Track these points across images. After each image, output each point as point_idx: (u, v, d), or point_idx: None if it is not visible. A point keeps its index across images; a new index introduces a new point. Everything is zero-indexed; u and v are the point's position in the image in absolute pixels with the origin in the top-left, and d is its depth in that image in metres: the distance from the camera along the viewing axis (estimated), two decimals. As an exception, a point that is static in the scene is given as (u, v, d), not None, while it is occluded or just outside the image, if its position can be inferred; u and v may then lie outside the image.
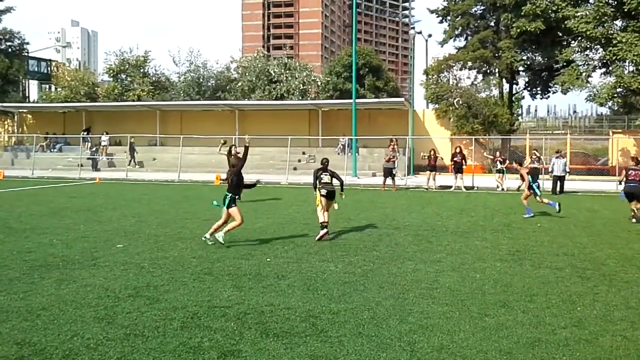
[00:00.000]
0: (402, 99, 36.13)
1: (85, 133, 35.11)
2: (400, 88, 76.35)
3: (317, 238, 10.37)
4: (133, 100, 41.87)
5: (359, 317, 5.97)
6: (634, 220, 13.31)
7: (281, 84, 44.85)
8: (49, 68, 49.57)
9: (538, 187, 14.57)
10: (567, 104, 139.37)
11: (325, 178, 10.86)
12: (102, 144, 34.41)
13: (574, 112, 72.94)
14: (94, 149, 33.22)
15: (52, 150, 36.88)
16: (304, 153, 33.20)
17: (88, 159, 32.49)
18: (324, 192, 10.79)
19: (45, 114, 40.71)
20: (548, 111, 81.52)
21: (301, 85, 44.96)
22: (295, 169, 29.99)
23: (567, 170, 21.56)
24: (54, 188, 22.26)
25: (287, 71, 45.84)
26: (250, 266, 8.28)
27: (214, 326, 5.65)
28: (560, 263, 8.73)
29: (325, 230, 10.49)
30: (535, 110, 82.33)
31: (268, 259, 8.77)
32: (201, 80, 47.49)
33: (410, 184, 24.72)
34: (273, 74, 45.47)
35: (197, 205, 16.15)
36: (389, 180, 22.10)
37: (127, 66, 45.61)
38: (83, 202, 16.98)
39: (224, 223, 9.75)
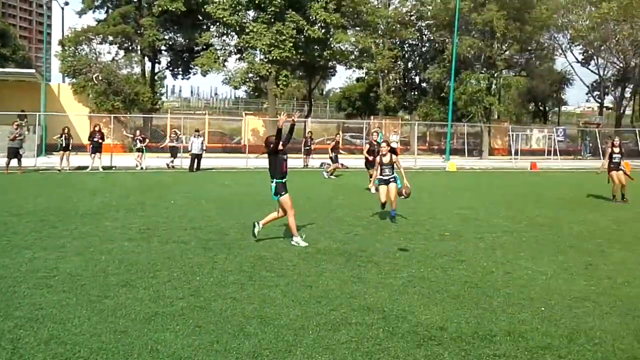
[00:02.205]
0: (34, 71, 32.52)
1: None
2: (34, 59, 68.79)
3: None
4: None
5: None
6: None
7: None
8: None
9: None
10: (209, 85, 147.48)
11: None
12: None
13: (215, 94, 77.87)
14: None
15: None
16: None
17: None
18: None
19: None
20: (192, 92, 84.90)
21: None
22: None
23: (204, 148, 22.82)
24: None
25: None
26: None
27: None
28: (187, 237, 9.09)
29: None
30: (180, 91, 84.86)
31: None
32: None
33: (40, 165, 22.52)
34: None
35: None
36: (14, 162, 19.60)
37: None
38: None
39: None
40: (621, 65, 48.49)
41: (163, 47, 36.30)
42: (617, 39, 43.24)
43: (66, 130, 21.22)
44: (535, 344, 4.89)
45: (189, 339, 4.85)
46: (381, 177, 11.02)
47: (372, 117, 43.17)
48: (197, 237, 9.06)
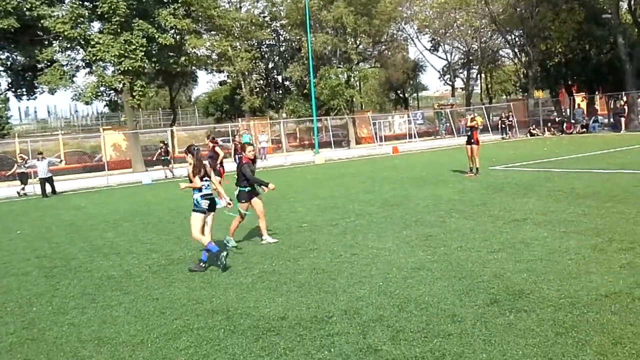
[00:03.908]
0: None
1: None
2: None
3: None
4: None
5: None
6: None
7: None
8: None
9: None
10: (68, 104, 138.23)
11: None
12: None
13: (76, 111, 73.16)
14: None
15: None
16: None
17: None
18: None
19: None
20: (49, 112, 79.08)
21: None
22: None
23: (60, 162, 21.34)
24: None
25: None
26: None
27: None
28: (29, 267, 8.49)
29: None
30: (35, 112, 78.84)
31: None
32: None
33: None
34: None
35: None
36: None
37: None
38: None
39: None
40: (464, 49, 52.55)
41: (1, 68, 33.38)
42: (456, 25, 46.79)
43: None
44: (368, 318, 5.15)
45: (14, 375, 4.54)
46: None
47: (239, 119, 43.02)
48: (40, 267, 8.49)
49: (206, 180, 7.58)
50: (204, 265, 7.41)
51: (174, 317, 5.62)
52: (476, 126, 16.32)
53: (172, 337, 5.09)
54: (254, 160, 8.89)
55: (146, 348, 4.88)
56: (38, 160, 20.50)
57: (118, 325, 5.54)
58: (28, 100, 39.50)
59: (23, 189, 21.53)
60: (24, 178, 21.67)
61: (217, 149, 15.25)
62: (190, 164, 7.60)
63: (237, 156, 21.34)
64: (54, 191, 20.48)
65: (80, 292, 6.89)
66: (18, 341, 5.32)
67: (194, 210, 7.56)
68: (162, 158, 25.76)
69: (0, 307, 6.49)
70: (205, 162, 8.13)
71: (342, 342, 4.64)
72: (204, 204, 7.53)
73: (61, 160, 21.90)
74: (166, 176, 25.10)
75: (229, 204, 7.97)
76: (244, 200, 8.67)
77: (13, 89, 34.96)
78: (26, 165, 21.75)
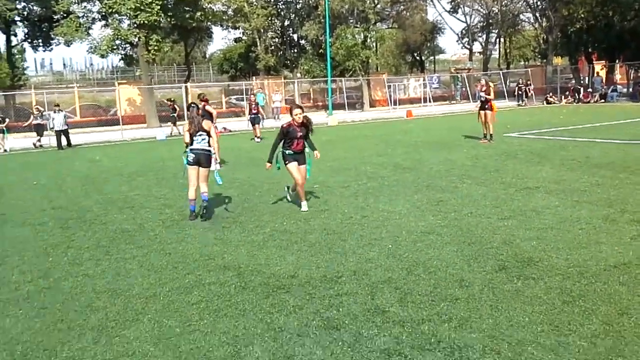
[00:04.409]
0: None
1: None
2: None
3: None
4: None
5: None
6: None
7: None
8: None
9: None
10: (83, 56, 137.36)
11: None
12: None
13: (91, 64, 72.83)
14: None
15: None
16: None
17: None
18: None
19: None
20: (64, 64, 78.82)
21: None
22: None
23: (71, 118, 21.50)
24: None
25: None
26: None
27: None
28: (45, 218, 8.65)
29: None
30: (51, 64, 78.54)
31: None
32: None
33: None
34: None
35: None
36: None
37: None
38: None
39: None
40: (484, 12, 51.36)
41: (17, 18, 33.23)
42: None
43: None
44: (377, 279, 5.22)
45: (31, 322, 4.69)
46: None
47: (254, 77, 42.71)
48: (56, 217, 8.65)
49: (200, 135, 8.04)
50: (193, 213, 8.06)
51: (186, 272, 5.74)
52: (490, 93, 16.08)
53: (184, 291, 5.21)
54: (303, 124, 8.29)
55: (158, 301, 5.00)
56: (54, 112, 20.62)
57: (131, 277, 5.67)
58: (44, 51, 39.38)
59: (39, 140, 21.75)
60: (40, 129, 21.87)
61: (208, 107, 14.87)
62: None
63: (251, 116, 21.29)
64: (69, 143, 20.68)
65: (95, 244, 7.03)
66: (35, 290, 5.47)
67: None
68: (170, 115, 25.73)
69: (18, 255, 6.66)
70: (202, 119, 8.36)
71: (351, 302, 4.73)
72: (190, 157, 8.03)
73: (66, 122, 21.97)
74: (173, 133, 25.03)
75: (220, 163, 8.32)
76: (286, 161, 8.41)
77: (29, 40, 34.91)
78: (47, 118, 21.87)
